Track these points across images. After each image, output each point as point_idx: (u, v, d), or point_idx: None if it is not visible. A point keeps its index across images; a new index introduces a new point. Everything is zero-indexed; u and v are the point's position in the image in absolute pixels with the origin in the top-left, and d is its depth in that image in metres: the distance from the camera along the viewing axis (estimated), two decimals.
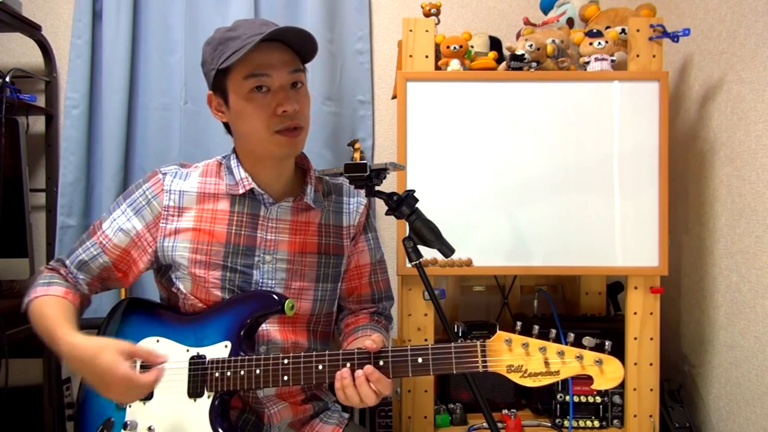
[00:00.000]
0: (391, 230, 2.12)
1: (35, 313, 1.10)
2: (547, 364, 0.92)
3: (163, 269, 1.19)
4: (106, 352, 0.96)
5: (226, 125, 1.19)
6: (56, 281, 1.15)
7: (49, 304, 1.10)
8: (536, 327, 0.95)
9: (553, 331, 0.94)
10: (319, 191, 1.23)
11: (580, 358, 0.91)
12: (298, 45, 1.11)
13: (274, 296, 1.12)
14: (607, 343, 0.92)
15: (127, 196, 1.18)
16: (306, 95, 1.14)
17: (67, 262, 1.17)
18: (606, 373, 0.91)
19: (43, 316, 1.08)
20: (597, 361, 0.91)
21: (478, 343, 0.96)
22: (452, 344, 0.97)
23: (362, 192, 1.28)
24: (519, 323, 0.97)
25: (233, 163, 1.18)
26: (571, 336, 0.93)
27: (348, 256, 1.25)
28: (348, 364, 1.00)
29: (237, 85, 1.08)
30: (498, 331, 0.96)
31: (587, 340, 0.92)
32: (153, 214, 1.15)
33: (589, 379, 0.91)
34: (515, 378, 0.94)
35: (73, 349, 1.00)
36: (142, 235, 1.15)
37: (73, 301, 1.13)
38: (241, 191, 1.15)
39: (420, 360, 0.98)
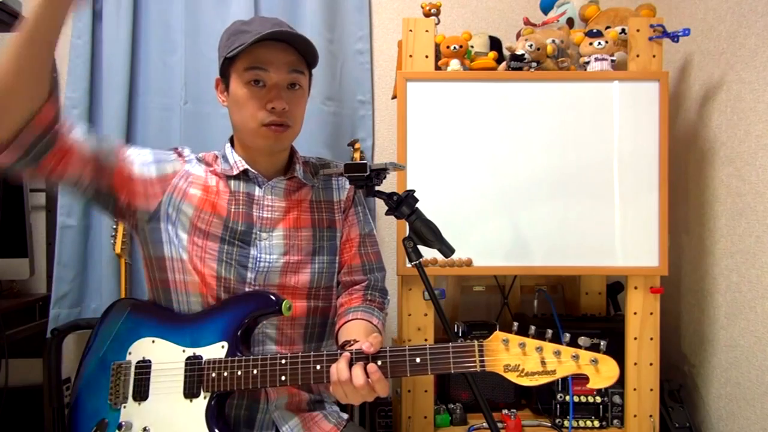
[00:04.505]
0: (391, 230, 2.12)
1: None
2: (543, 363, 0.93)
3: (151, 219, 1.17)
4: None
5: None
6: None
7: None
8: (533, 327, 0.96)
9: (550, 331, 0.95)
10: (307, 171, 1.29)
11: (576, 357, 0.92)
12: (302, 48, 1.17)
13: (271, 296, 1.13)
14: (602, 343, 0.93)
15: (153, 149, 1.22)
16: (301, 98, 1.21)
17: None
18: (601, 372, 0.91)
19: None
20: (593, 361, 0.91)
21: (476, 342, 0.97)
22: (450, 344, 0.98)
23: None
24: (516, 323, 0.98)
25: (228, 150, 1.24)
26: (567, 336, 0.94)
27: (341, 230, 1.29)
28: (344, 361, 1.00)
29: (238, 74, 1.15)
30: (496, 332, 0.97)
31: (583, 340, 0.93)
32: (172, 170, 1.20)
33: (585, 379, 0.92)
34: (512, 377, 0.94)
35: None
36: (149, 182, 1.17)
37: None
38: (235, 172, 1.21)
39: (418, 360, 0.99)
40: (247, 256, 1.18)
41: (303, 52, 1.18)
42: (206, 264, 1.16)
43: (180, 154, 1.24)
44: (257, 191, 1.22)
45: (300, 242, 1.23)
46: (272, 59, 1.14)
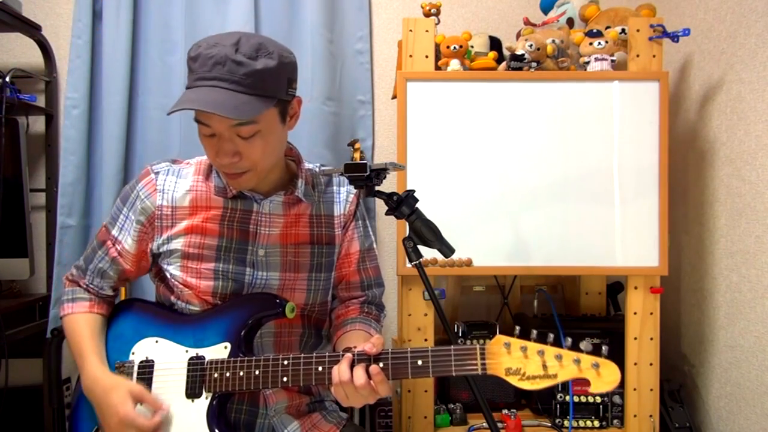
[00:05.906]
0: (391, 230, 2.12)
1: (67, 332, 1.19)
2: (545, 367, 0.92)
3: (155, 259, 1.22)
4: (117, 391, 1.05)
5: None
6: (79, 296, 1.21)
7: (78, 322, 1.18)
8: (534, 331, 0.95)
9: (551, 335, 0.94)
10: (309, 183, 1.24)
11: (577, 361, 0.91)
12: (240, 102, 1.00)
13: (276, 298, 1.12)
14: (603, 348, 0.92)
15: (124, 199, 1.21)
16: (258, 140, 1.04)
17: (87, 274, 1.22)
18: (603, 377, 0.90)
19: (73, 336, 1.17)
20: (594, 365, 0.90)
21: (478, 346, 0.96)
22: (452, 347, 0.97)
23: None
24: (518, 327, 0.97)
25: None
26: (569, 340, 0.93)
27: (339, 245, 1.26)
28: (346, 362, 1.00)
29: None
30: (497, 335, 0.96)
31: (584, 344, 0.92)
32: (147, 213, 1.17)
33: (587, 383, 0.91)
34: (513, 381, 0.93)
35: (92, 382, 1.10)
36: (146, 232, 1.18)
37: (99, 311, 1.21)
38: (229, 195, 1.17)
39: (420, 362, 0.98)
40: (243, 273, 1.17)
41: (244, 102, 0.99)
42: (202, 282, 1.16)
43: (149, 181, 1.17)
44: (254, 207, 1.18)
45: (297, 259, 1.20)
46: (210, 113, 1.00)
